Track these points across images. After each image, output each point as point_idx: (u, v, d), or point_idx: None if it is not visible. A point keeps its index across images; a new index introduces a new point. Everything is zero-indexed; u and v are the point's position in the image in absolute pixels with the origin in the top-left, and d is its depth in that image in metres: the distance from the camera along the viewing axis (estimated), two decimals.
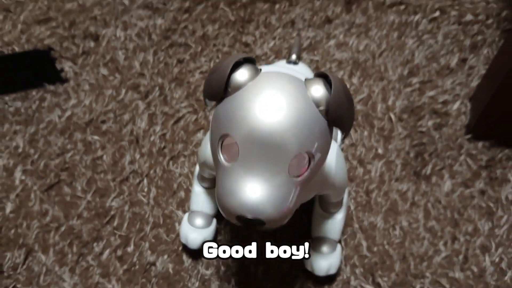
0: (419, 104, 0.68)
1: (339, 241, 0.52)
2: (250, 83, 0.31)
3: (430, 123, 0.65)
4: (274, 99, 0.30)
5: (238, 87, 0.32)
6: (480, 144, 0.63)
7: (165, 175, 0.60)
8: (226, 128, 0.31)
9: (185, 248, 0.53)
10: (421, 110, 0.67)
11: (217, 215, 0.54)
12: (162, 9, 0.83)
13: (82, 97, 0.69)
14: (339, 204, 0.50)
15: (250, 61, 0.33)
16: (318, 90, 0.31)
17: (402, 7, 0.82)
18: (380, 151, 0.63)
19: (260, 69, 0.33)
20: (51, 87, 0.70)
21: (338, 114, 0.31)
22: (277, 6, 0.82)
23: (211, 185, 0.53)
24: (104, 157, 0.62)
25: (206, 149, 0.45)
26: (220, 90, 0.32)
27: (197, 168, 0.53)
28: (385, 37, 0.77)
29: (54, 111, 0.67)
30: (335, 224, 0.50)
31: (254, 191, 0.30)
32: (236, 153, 0.31)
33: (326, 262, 0.49)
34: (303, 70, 0.56)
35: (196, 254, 0.53)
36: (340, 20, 0.80)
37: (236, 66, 0.32)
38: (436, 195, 0.58)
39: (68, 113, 0.67)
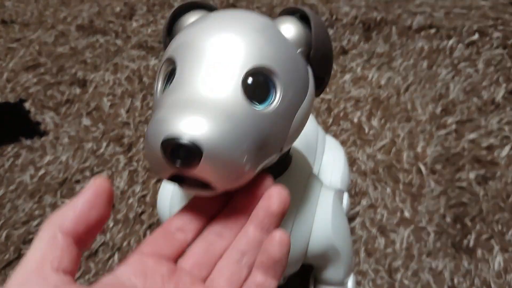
0: (456, 151, 0.54)
1: None
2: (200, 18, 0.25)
3: (472, 175, 0.52)
4: (231, 18, 0.24)
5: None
6: None
7: None
8: (167, 52, 0.24)
9: None
10: (460, 159, 0.53)
11: None
12: (157, 48, 0.75)
13: (59, 153, 0.61)
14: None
15: (205, 7, 0.27)
16: (290, 29, 0.25)
17: (433, 31, 0.70)
18: (407, 214, 0.49)
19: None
20: (28, 142, 0.63)
21: (322, 54, 0.25)
22: None
23: None
24: None
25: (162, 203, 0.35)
26: (164, 35, 0.26)
27: None
28: (412, 67, 0.65)
29: (27, 170, 0.59)
30: None
31: (195, 112, 0.21)
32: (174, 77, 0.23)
33: None
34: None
35: None
36: (357, 50, 0.69)
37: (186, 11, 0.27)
38: (484, 275, 0.44)
39: (41, 172, 0.59)
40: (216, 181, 0.21)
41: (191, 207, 0.23)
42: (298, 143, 0.34)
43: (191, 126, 0.20)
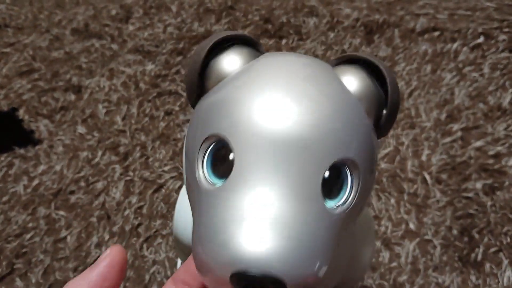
0: (462, 160, 0.52)
1: None
2: (247, 65, 0.20)
3: (478, 185, 0.50)
4: (292, 83, 0.18)
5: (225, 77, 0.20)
6: None
7: (136, 262, 0.49)
8: (212, 127, 0.18)
9: None
10: (466, 168, 0.52)
11: None
12: (154, 52, 0.73)
13: (54, 162, 0.59)
14: None
15: (247, 42, 0.20)
16: (352, 82, 0.19)
17: (436, 33, 0.68)
18: (412, 226, 0.48)
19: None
20: (21, 151, 0.61)
21: (394, 110, 0.19)
22: (284, 41, 0.70)
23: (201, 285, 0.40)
24: (68, 238, 0.51)
25: (179, 218, 0.32)
26: (193, 81, 0.20)
27: (178, 263, 0.40)
28: (415, 72, 0.63)
29: (20, 181, 0.58)
30: None
31: (262, 230, 0.16)
32: (229, 167, 0.17)
33: None
34: None
35: None
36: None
37: (222, 49, 0.20)
38: None
39: (35, 182, 0.57)
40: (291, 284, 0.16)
41: None
42: None
43: (269, 263, 0.16)
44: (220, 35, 0.20)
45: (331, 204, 0.17)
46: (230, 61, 0.20)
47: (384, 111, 0.20)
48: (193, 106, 0.21)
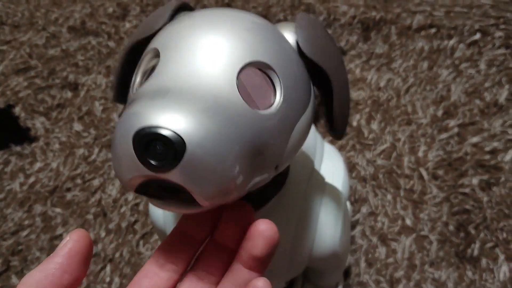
0: (459, 155, 0.52)
1: None
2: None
3: (475, 181, 0.50)
4: (225, 14, 0.22)
5: None
6: None
7: (132, 259, 0.48)
8: (150, 46, 0.22)
9: None
10: (463, 164, 0.52)
11: None
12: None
13: (50, 159, 0.59)
14: None
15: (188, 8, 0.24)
16: (289, 36, 0.23)
17: (433, 30, 0.68)
18: (408, 222, 0.48)
19: None
20: (18, 148, 0.61)
21: (319, 52, 0.22)
22: None
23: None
24: (64, 235, 0.51)
25: (157, 211, 0.33)
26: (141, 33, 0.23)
27: None
28: (412, 68, 0.63)
29: (16, 178, 0.58)
30: None
31: (178, 102, 0.18)
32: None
33: None
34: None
35: None
36: (356, 50, 0.67)
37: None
38: (488, 286, 0.43)
39: (31, 180, 0.57)
40: (199, 190, 0.17)
41: (179, 234, 0.21)
42: None
43: (174, 117, 0.16)
44: (174, 4, 0.23)
45: (258, 112, 0.19)
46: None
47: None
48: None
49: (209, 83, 0.18)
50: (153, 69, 0.20)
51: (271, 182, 0.24)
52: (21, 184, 0.57)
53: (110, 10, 0.83)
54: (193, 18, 0.21)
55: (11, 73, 0.73)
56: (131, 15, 0.82)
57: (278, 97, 0.20)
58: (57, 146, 0.61)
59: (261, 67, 0.20)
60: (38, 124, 0.64)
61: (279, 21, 0.74)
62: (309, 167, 0.31)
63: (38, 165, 0.59)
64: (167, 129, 0.16)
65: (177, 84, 0.18)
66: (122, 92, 0.25)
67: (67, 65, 0.73)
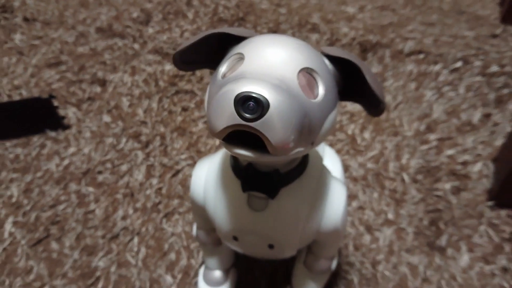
0: (436, 164, 0.62)
1: None
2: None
3: (447, 186, 0.60)
4: (283, 35, 0.31)
5: None
6: (504, 212, 0.57)
7: (156, 234, 0.57)
8: (235, 51, 0.31)
9: None
10: (438, 171, 0.61)
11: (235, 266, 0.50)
12: (172, 54, 0.82)
13: (82, 145, 0.67)
14: (327, 268, 0.45)
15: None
16: (327, 62, 0.32)
17: (422, 56, 0.78)
18: (390, 216, 0.57)
19: None
20: (53, 134, 0.69)
21: (336, 50, 0.32)
22: None
23: (215, 242, 0.48)
24: (97, 211, 0.59)
25: (196, 187, 0.41)
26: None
27: (194, 226, 0.48)
28: (401, 88, 0.73)
29: (52, 159, 0.66)
30: (318, 285, 0.46)
31: (265, 80, 0.27)
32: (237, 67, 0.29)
33: None
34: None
35: None
36: None
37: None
38: (452, 270, 0.52)
39: (66, 162, 0.65)
40: (273, 138, 0.25)
41: None
42: None
43: (262, 87, 0.25)
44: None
45: (308, 99, 0.28)
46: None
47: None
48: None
49: (282, 74, 0.28)
50: (237, 65, 0.29)
51: (297, 166, 0.33)
52: (57, 165, 0.65)
53: (135, 15, 0.91)
54: (265, 36, 0.31)
55: (44, 66, 0.81)
56: (154, 21, 0.90)
57: (321, 92, 0.29)
58: (88, 134, 0.69)
59: (310, 72, 0.29)
60: (70, 113, 0.72)
61: None
62: (320, 163, 0.40)
63: (71, 149, 0.67)
64: (258, 94, 0.25)
65: (262, 71, 0.28)
66: (180, 60, 0.34)
67: (95, 63, 0.81)
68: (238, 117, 0.26)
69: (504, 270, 0.52)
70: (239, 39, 0.33)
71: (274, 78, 0.27)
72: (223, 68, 0.30)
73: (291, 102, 0.26)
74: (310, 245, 0.44)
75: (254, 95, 0.25)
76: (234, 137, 0.27)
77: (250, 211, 0.36)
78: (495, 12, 0.90)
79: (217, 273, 0.50)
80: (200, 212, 0.42)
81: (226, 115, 0.26)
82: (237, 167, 0.36)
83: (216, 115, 0.27)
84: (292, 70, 0.28)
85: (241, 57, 0.30)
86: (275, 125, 0.26)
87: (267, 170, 0.34)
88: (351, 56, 0.32)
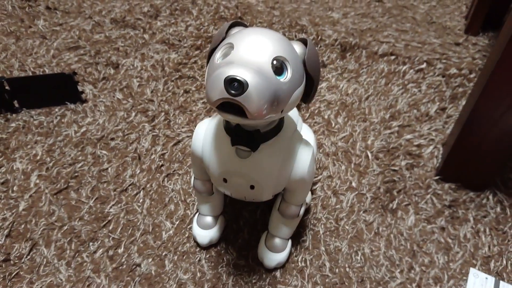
0: (395, 146, 0.74)
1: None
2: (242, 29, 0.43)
3: (403, 163, 0.72)
4: (266, 29, 0.42)
5: None
6: (447, 185, 0.69)
7: (159, 190, 0.68)
8: (227, 41, 0.41)
9: (168, 254, 0.60)
10: (397, 151, 0.73)
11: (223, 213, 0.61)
12: (177, 45, 0.93)
13: (97, 117, 0.79)
14: (297, 215, 0.56)
15: (243, 25, 0.45)
16: (297, 47, 0.43)
17: (393, 57, 0.90)
18: (354, 184, 0.69)
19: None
20: (72, 106, 0.80)
21: (312, 64, 0.43)
22: None
23: (208, 192, 0.59)
24: (109, 169, 0.71)
25: (196, 142, 0.52)
26: (218, 40, 0.43)
27: (192, 177, 0.59)
28: (373, 83, 0.85)
29: (71, 127, 0.77)
30: (289, 229, 0.57)
31: (246, 68, 0.37)
32: (228, 54, 0.40)
33: (276, 259, 0.58)
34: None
35: (177, 260, 0.60)
36: (334, 65, 0.89)
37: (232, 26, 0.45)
38: (399, 227, 0.64)
39: (83, 129, 0.76)
40: (249, 108, 0.37)
41: None
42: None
43: (244, 73, 0.36)
44: (231, 22, 0.45)
45: (278, 77, 0.40)
46: (235, 29, 0.44)
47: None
48: (212, 52, 0.44)
49: (260, 63, 0.39)
50: (228, 51, 0.41)
51: (273, 128, 0.45)
52: (75, 132, 0.76)
53: (145, 9, 1.03)
54: (252, 29, 0.42)
55: (64, 49, 0.92)
56: (162, 15, 1.02)
57: (289, 75, 0.41)
58: (103, 108, 0.80)
59: (281, 59, 0.41)
60: (87, 90, 0.83)
61: None
62: (293, 127, 0.51)
63: (88, 119, 0.78)
64: (241, 77, 0.37)
65: (245, 59, 0.39)
66: (208, 59, 0.45)
67: (110, 49, 0.92)
68: (226, 92, 0.37)
69: (442, 229, 0.64)
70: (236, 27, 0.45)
71: (254, 64, 0.39)
72: (217, 54, 0.42)
73: (265, 83, 0.38)
74: (283, 194, 0.56)
75: (238, 77, 0.37)
76: (224, 106, 0.39)
77: (237, 158, 0.48)
78: (460, 24, 1.03)
79: (209, 218, 0.61)
80: (198, 163, 0.54)
81: (218, 91, 0.38)
82: (228, 127, 0.48)
83: (211, 90, 0.39)
84: (267, 58, 0.39)
85: (231, 46, 0.41)
86: (253, 99, 0.37)
87: (250, 130, 0.46)
88: (308, 39, 0.44)
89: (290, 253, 0.60)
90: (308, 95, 0.45)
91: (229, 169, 0.49)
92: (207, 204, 0.60)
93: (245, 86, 0.37)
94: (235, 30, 0.44)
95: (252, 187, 0.50)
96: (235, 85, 0.37)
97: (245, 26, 0.46)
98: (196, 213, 0.65)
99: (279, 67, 0.40)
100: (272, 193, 0.52)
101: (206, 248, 0.61)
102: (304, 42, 0.44)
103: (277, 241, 0.58)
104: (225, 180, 0.51)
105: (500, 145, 0.63)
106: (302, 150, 0.50)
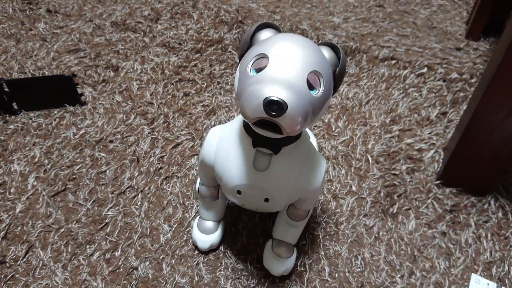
0: (396, 150, 0.74)
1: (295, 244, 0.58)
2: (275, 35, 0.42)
3: (404, 167, 0.71)
4: (299, 38, 0.41)
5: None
6: (448, 190, 0.68)
7: (157, 192, 0.68)
8: (260, 50, 0.40)
9: (165, 258, 0.60)
10: (397, 155, 0.73)
11: (224, 219, 0.61)
12: (177, 48, 0.93)
13: (96, 119, 0.78)
14: (305, 217, 0.55)
15: (274, 27, 0.44)
16: (327, 54, 0.42)
17: (393, 62, 0.90)
18: (354, 188, 0.68)
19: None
20: (71, 108, 0.80)
21: (341, 72, 0.42)
22: None
23: (212, 197, 0.59)
24: (107, 172, 0.70)
25: (208, 148, 0.51)
26: (246, 43, 0.42)
27: (198, 182, 0.59)
28: (374, 87, 0.85)
29: (70, 129, 0.76)
30: (296, 232, 0.56)
31: (285, 88, 0.37)
32: (263, 68, 0.39)
33: (284, 265, 0.56)
34: None
35: (175, 263, 0.59)
36: None
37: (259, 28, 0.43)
38: (400, 232, 0.63)
39: (82, 131, 0.76)
40: (286, 127, 0.37)
41: None
42: None
43: (282, 93, 0.36)
44: (260, 22, 0.43)
45: (313, 92, 0.39)
46: (265, 34, 0.42)
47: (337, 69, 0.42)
48: (240, 57, 0.43)
49: (296, 81, 0.38)
50: (260, 63, 0.39)
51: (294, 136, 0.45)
52: (74, 134, 0.76)
53: (146, 13, 1.03)
54: (285, 37, 0.40)
55: (64, 52, 0.92)
56: (163, 19, 1.02)
57: (322, 88, 0.40)
58: (102, 110, 0.80)
59: (316, 73, 0.40)
60: (86, 92, 0.83)
61: None
62: (308, 138, 0.51)
63: (87, 122, 0.78)
64: (281, 99, 0.36)
65: (282, 77, 0.38)
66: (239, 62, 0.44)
67: (110, 51, 0.92)
68: (265, 113, 0.37)
69: (443, 234, 0.63)
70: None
71: (290, 82, 0.37)
72: (250, 63, 0.40)
73: (301, 100, 0.38)
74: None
75: (278, 100, 0.36)
76: (261, 121, 0.38)
77: (254, 170, 0.47)
78: (461, 29, 1.03)
79: (210, 223, 0.60)
80: (207, 171, 0.53)
81: (257, 110, 0.37)
82: (249, 128, 0.46)
83: (249, 107, 0.38)
84: (303, 73, 0.38)
85: (265, 57, 0.39)
86: (290, 118, 0.37)
87: None
88: (340, 48, 0.43)
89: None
90: (334, 93, 0.45)
91: (245, 182, 0.48)
92: (210, 210, 0.60)
93: (285, 108, 0.36)
94: (264, 33, 0.43)
95: (266, 200, 0.49)
96: (274, 107, 0.36)
97: (274, 27, 0.44)
98: (195, 216, 0.64)
99: (313, 82, 0.40)
100: (285, 205, 0.52)
101: (204, 252, 0.61)
102: (331, 46, 0.43)
103: (284, 247, 0.57)
104: (239, 192, 0.49)
105: (501, 149, 0.62)
106: (318, 161, 0.50)
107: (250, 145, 0.46)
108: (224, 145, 0.49)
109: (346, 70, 0.88)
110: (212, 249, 0.61)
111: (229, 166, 0.48)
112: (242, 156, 0.47)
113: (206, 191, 0.57)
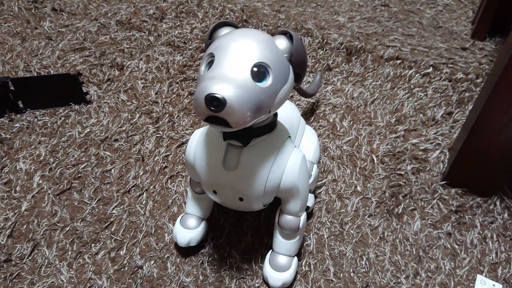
0: (401, 150, 0.73)
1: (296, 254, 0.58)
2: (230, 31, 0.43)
3: (409, 167, 0.71)
4: (245, 32, 0.42)
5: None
6: (453, 190, 0.68)
7: (162, 191, 0.68)
8: (210, 50, 0.41)
9: (170, 257, 0.60)
10: (403, 155, 0.73)
11: (209, 218, 0.61)
12: (182, 47, 0.93)
13: (101, 118, 0.78)
14: (295, 231, 0.55)
15: (233, 25, 0.45)
16: (282, 43, 0.43)
17: (399, 61, 0.90)
18: (359, 188, 0.68)
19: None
20: (76, 107, 0.80)
21: (299, 59, 0.43)
22: None
23: (202, 191, 0.59)
24: (112, 170, 0.70)
25: (189, 150, 0.53)
26: (206, 44, 0.44)
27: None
28: (379, 87, 0.85)
29: (75, 128, 0.77)
30: (292, 244, 0.56)
31: (224, 82, 0.38)
32: (211, 65, 0.40)
33: (281, 278, 0.55)
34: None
35: (180, 262, 0.59)
36: (339, 68, 0.88)
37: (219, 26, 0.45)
38: (405, 232, 0.63)
39: (87, 130, 0.76)
40: (231, 121, 0.38)
41: None
42: (284, 122, 0.53)
43: (222, 89, 0.37)
44: (219, 21, 0.45)
45: (259, 84, 0.39)
46: (223, 31, 0.44)
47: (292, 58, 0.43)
48: (205, 49, 0.44)
49: (238, 74, 0.39)
50: (211, 62, 0.41)
51: (265, 125, 0.45)
52: (79, 133, 0.76)
53: (151, 11, 1.03)
54: (231, 34, 0.42)
55: (69, 50, 0.92)
56: (168, 18, 1.02)
57: (270, 80, 0.40)
58: (107, 109, 0.80)
59: (262, 64, 0.40)
60: (92, 91, 0.83)
61: None
62: (286, 135, 0.51)
63: (92, 120, 0.78)
64: (218, 94, 0.37)
65: (224, 73, 0.39)
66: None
67: (115, 50, 0.92)
68: (208, 110, 0.38)
69: (449, 234, 0.63)
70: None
71: (232, 77, 0.39)
72: (203, 64, 0.42)
73: (245, 93, 0.38)
74: (280, 206, 0.55)
75: (216, 95, 0.37)
76: (211, 118, 0.39)
77: (224, 171, 0.48)
78: (467, 28, 1.02)
79: (193, 219, 0.60)
80: (191, 169, 0.55)
81: (201, 109, 0.39)
82: None
83: (196, 105, 0.39)
84: (247, 67, 0.39)
85: (212, 56, 0.41)
86: (234, 112, 0.38)
87: None
88: (294, 34, 0.43)
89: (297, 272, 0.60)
90: (297, 79, 0.46)
91: (217, 181, 0.49)
92: (197, 203, 0.60)
93: (223, 103, 0.37)
94: (222, 32, 0.44)
95: (241, 199, 0.50)
96: (215, 103, 0.37)
97: (232, 25, 0.45)
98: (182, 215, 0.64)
99: (259, 73, 0.40)
100: (262, 203, 0.52)
101: (209, 251, 0.61)
102: (286, 34, 0.43)
103: (281, 259, 0.56)
104: (214, 192, 0.51)
105: (507, 150, 0.62)
106: (292, 156, 0.50)
107: (221, 139, 0.48)
108: (201, 147, 0.51)
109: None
110: (216, 248, 0.61)
111: (204, 165, 0.50)
112: (215, 154, 0.48)
113: (195, 183, 0.59)
